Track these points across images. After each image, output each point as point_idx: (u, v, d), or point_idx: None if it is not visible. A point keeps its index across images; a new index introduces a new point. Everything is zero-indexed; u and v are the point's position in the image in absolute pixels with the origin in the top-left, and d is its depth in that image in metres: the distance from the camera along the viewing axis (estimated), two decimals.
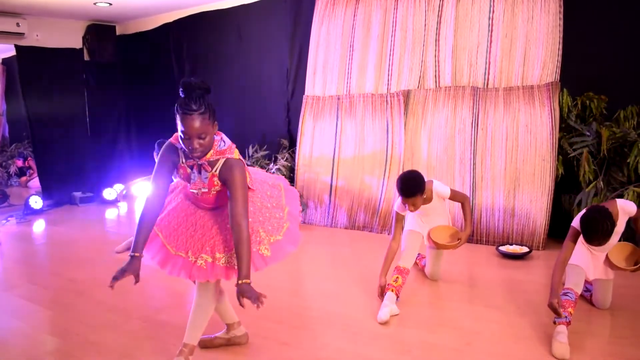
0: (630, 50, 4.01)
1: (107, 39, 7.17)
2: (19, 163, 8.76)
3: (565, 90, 4.14)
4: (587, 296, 2.95)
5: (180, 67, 6.74)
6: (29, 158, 8.54)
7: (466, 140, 4.50)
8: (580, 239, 2.69)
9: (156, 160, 2.13)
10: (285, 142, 5.66)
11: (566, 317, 2.43)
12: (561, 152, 4.10)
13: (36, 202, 6.20)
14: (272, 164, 5.44)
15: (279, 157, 5.51)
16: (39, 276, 3.85)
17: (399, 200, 3.02)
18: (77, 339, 2.67)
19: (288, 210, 2.28)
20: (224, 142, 2.08)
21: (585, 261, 2.66)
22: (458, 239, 3.16)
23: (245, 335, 2.55)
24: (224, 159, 2.06)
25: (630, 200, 3.24)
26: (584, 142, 3.93)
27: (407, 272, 2.99)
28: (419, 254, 3.51)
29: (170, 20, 6.76)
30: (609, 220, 2.38)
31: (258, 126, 5.92)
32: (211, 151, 2.04)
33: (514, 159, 4.28)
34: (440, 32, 4.74)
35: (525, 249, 3.93)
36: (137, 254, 2.06)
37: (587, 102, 4.07)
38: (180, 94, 1.95)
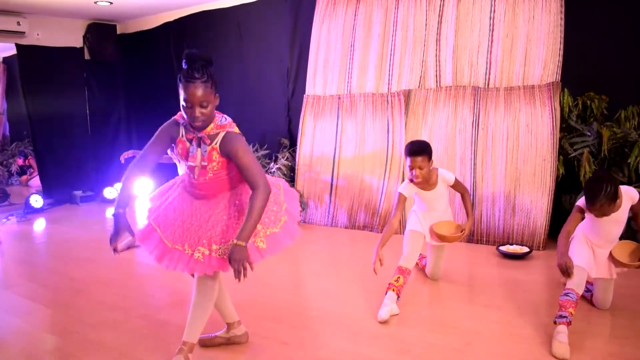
0: (631, 51, 4.01)
1: (108, 38, 7.17)
2: (20, 162, 8.76)
3: (566, 90, 4.14)
4: (587, 296, 2.95)
5: (181, 66, 6.72)
6: (30, 157, 8.54)
7: (467, 140, 4.50)
8: (582, 234, 2.70)
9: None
10: (286, 142, 5.66)
11: (566, 316, 2.43)
12: (562, 152, 4.10)
13: (37, 200, 6.21)
14: (273, 164, 5.44)
15: (280, 156, 5.51)
16: (39, 275, 3.85)
17: (405, 182, 3.10)
18: (77, 338, 2.67)
19: (286, 207, 2.27)
20: (225, 118, 2.12)
21: (588, 259, 2.65)
22: (462, 230, 3.16)
23: (245, 335, 2.55)
24: (224, 133, 2.07)
25: None
26: (584, 142, 3.93)
27: (409, 273, 2.99)
28: (420, 253, 3.51)
29: (171, 19, 6.76)
30: (613, 185, 2.38)
31: (258, 125, 5.92)
32: (212, 125, 2.06)
33: (515, 158, 4.27)
34: (441, 31, 4.73)
35: (525, 249, 3.92)
36: (120, 210, 2.07)
37: (588, 102, 4.07)
38: (184, 66, 1.99)
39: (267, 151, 5.59)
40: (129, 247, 4.38)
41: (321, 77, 5.39)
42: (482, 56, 4.53)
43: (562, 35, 4.17)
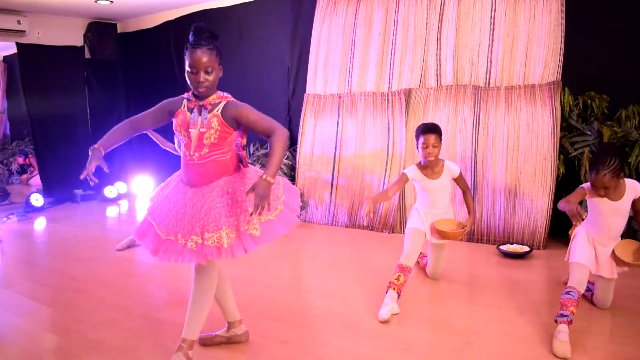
0: (632, 50, 4.00)
1: (108, 36, 7.16)
2: (20, 160, 8.76)
3: (566, 89, 4.13)
4: (588, 295, 2.95)
5: (181, 65, 6.73)
6: (30, 155, 8.54)
7: (467, 139, 4.49)
8: (584, 231, 2.70)
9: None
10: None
11: (567, 315, 2.42)
12: (562, 151, 4.09)
13: (37, 199, 6.21)
14: None
15: None
16: (40, 274, 3.85)
17: (412, 166, 3.20)
18: (77, 337, 2.67)
19: (284, 199, 2.24)
20: (227, 94, 2.19)
21: (590, 257, 2.66)
22: (463, 227, 3.17)
23: (245, 334, 2.55)
24: (226, 101, 2.14)
25: None
26: (585, 141, 3.92)
27: (409, 271, 2.99)
28: (420, 252, 3.51)
29: (171, 18, 6.76)
30: (619, 158, 2.47)
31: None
32: (214, 95, 2.14)
33: (515, 158, 4.27)
34: (441, 30, 4.73)
35: (526, 248, 3.92)
36: (96, 146, 2.14)
37: (589, 101, 4.06)
38: (190, 37, 2.07)
39: (267, 150, 5.57)
40: (129, 246, 4.38)
41: (322, 76, 5.38)
42: (482, 55, 4.53)
43: (563, 35, 4.17)
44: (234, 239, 2.06)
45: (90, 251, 4.40)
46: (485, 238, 4.33)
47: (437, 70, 4.75)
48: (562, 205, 2.56)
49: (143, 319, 2.88)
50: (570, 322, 2.42)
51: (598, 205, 2.64)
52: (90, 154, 2.13)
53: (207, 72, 2.06)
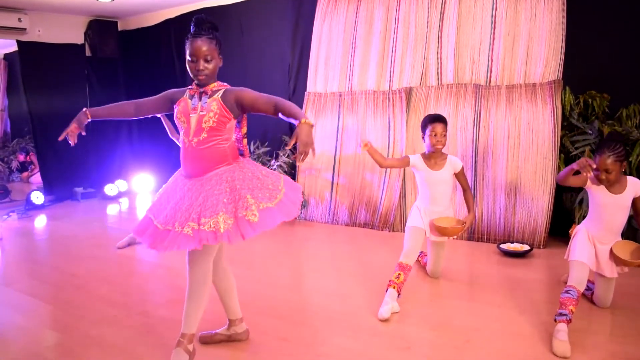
0: (633, 49, 4.00)
1: (109, 34, 7.16)
2: (21, 158, 8.76)
3: (567, 88, 4.13)
4: (588, 294, 2.95)
5: (182, 62, 6.73)
6: (31, 153, 8.54)
7: (468, 138, 4.49)
8: (584, 230, 2.70)
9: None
10: (287, 139, 5.65)
11: (566, 314, 2.43)
12: (563, 150, 4.09)
13: (37, 197, 6.21)
14: (274, 161, 5.44)
15: (280, 153, 5.50)
16: (40, 271, 3.85)
17: (417, 154, 3.23)
18: (78, 334, 2.67)
19: (285, 192, 2.21)
20: (225, 83, 2.25)
21: (590, 255, 2.66)
22: (462, 223, 3.17)
23: (246, 332, 2.55)
24: (225, 89, 2.20)
25: None
26: (586, 140, 3.92)
27: (409, 269, 2.99)
28: (421, 251, 3.51)
29: (172, 16, 6.75)
30: (624, 146, 2.56)
31: (259, 123, 5.90)
32: (214, 83, 2.20)
33: (516, 156, 4.27)
34: (442, 29, 4.72)
35: (526, 247, 3.92)
36: (85, 110, 2.34)
37: (590, 100, 4.06)
38: (191, 29, 2.14)
39: (267, 148, 5.58)
40: (130, 244, 4.38)
41: (322, 74, 5.38)
42: (483, 54, 4.52)
43: (564, 34, 4.16)
44: (231, 224, 2.03)
45: (90, 249, 4.41)
46: (485, 237, 4.33)
47: (438, 68, 4.74)
48: (565, 170, 2.61)
49: (143, 317, 2.88)
50: (569, 321, 2.42)
51: (599, 198, 2.65)
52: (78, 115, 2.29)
53: (206, 61, 2.12)
